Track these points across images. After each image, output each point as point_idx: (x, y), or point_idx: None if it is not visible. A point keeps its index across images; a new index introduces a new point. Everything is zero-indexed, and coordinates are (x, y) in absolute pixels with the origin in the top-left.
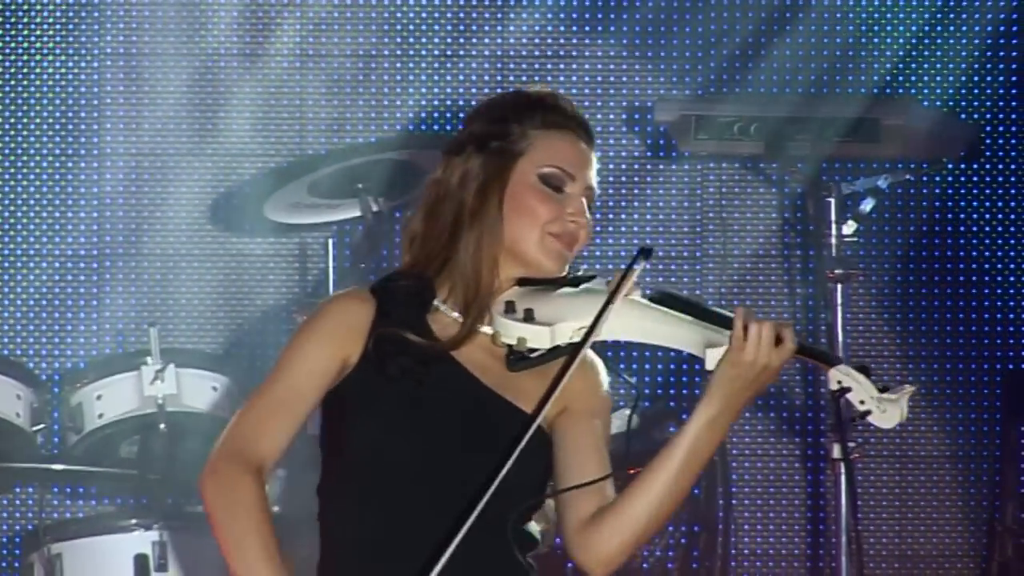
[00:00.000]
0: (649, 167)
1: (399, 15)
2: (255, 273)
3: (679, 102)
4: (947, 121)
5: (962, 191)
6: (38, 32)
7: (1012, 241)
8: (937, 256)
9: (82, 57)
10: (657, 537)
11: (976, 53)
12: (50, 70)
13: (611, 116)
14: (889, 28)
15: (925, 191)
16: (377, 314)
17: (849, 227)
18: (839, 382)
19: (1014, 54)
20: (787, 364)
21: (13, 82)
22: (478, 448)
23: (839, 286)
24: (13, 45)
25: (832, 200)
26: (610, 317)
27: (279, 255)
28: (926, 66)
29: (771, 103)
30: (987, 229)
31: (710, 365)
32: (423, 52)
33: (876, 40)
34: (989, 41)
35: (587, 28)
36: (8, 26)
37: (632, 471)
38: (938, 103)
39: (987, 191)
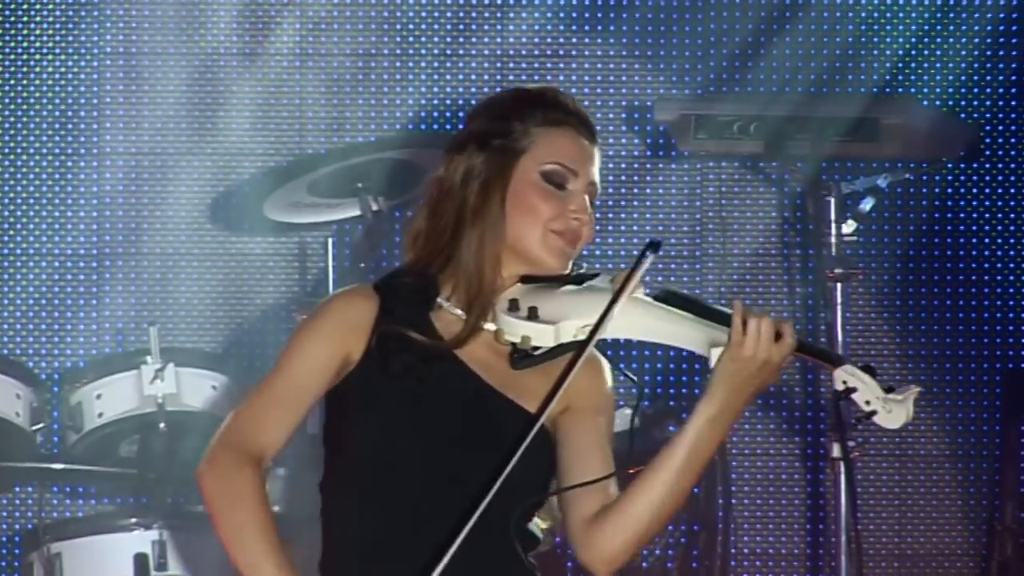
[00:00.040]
0: (649, 166)
1: (398, 14)
2: (255, 272)
3: (679, 101)
4: (947, 121)
5: (962, 191)
6: (38, 31)
7: (1012, 240)
8: (937, 255)
9: (82, 56)
10: (657, 536)
11: (976, 52)
12: (50, 69)
13: (611, 115)
14: (889, 28)
15: (925, 190)
16: (380, 311)
17: (849, 226)
18: (844, 382)
19: (1014, 53)
20: (789, 363)
21: (13, 81)
22: (480, 447)
23: (839, 285)
24: (13, 44)
25: (832, 199)
26: (614, 315)
27: (279, 254)
28: (926, 65)
29: (771, 102)
30: (987, 228)
31: (714, 364)
32: (423, 51)
33: (876, 40)
34: (989, 40)
35: (587, 27)
36: (8, 25)
37: (632, 471)
38: (938, 102)
39: (987, 191)
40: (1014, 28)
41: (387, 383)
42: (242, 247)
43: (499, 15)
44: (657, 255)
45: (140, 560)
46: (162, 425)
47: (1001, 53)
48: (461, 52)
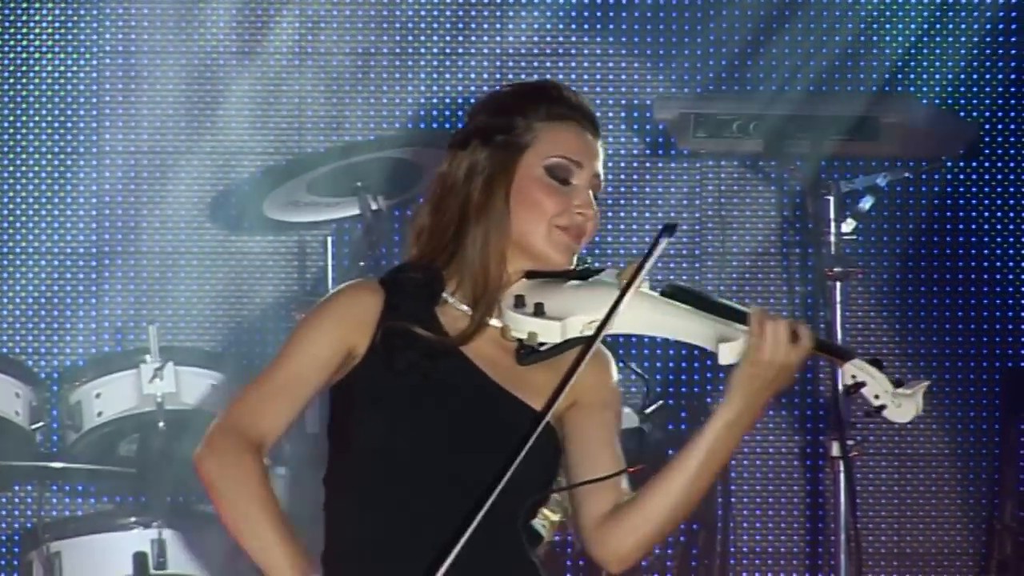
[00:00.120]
0: (648, 165)
1: (398, 13)
2: (254, 271)
3: (678, 100)
4: (946, 119)
5: (961, 189)
6: (37, 31)
7: (1011, 239)
8: (936, 254)
9: (81, 55)
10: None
11: (975, 51)
12: (49, 68)
13: (610, 114)
14: (888, 27)
15: (924, 189)
16: (385, 306)
17: (848, 225)
18: (853, 376)
19: (1013, 52)
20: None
21: (12, 80)
22: (485, 444)
23: (838, 284)
24: (12, 43)
25: (831, 198)
26: (621, 310)
27: (278, 253)
28: (925, 64)
29: (771, 101)
30: (986, 227)
31: (723, 360)
32: (422, 50)
33: (875, 39)
34: (988, 39)
35: (586, 26)
36: (7, 24)
37: (632, 469)
38: (937, 101)
39: (986, 189)
40: (1013, 27)
41: (392, 379)
42: (242, 246)
43: (498, 14)
44: (671, 239)
45: (139, 559)
46: (161, 424)
47: (1000, 52)
48: (461, 51)
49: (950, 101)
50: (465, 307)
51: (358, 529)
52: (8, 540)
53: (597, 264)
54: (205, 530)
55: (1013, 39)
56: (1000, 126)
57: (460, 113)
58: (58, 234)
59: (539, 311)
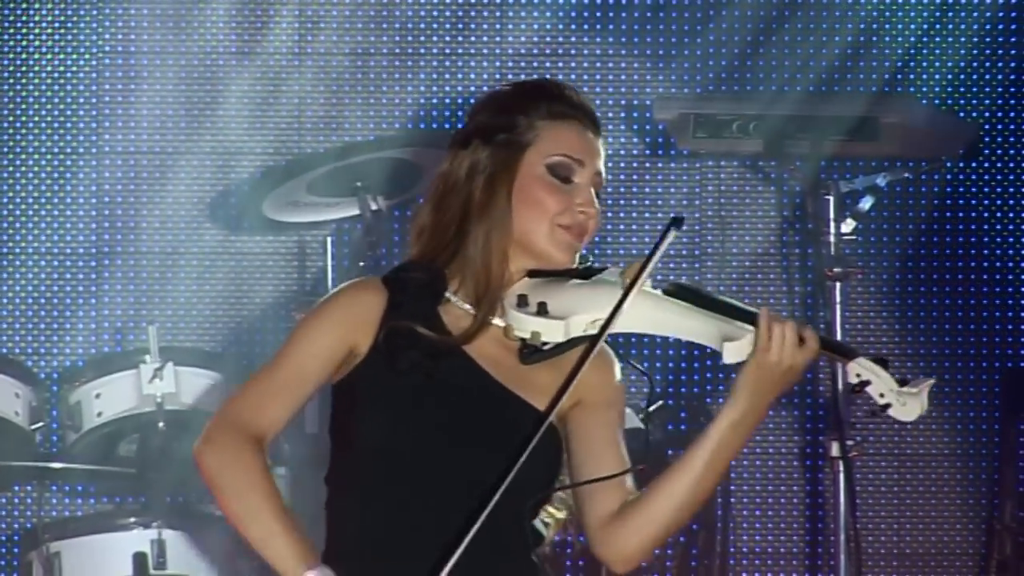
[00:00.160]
0: (648, 165)
1: (397, 13)
2: (254, 271)
3: (678, 100)
4: (946, 120)
5: (961, 189)
6: (37, 31)
7: (1011, 239)
8: (936, 254)
9: (80, 56)
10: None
11: (975, 52)
12: (48, 68)
13: (610, 114)
14: (888, 27)
15: (924, 189)
16: (388, 305)
17: (848, 225)
18: (858, 375)
19: (1012, 52)
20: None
21: (12, 80)
22: (488, 444)
23: (838, 284)
24: (12, 43)
25: (831, 198)
26: (624, 309)
27: (278, 253)
28: (925, 64)
29: (770, 102)
30: (986, 227)
31: (727, 358)
32: (422, 50)
33: (875, 39)
34: (988, 40)
35: (586, 26)
36: (7, 24)
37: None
38: (937, 101)
39: (986, 189)
40: (1013, 27)
41: (395, 379)
42: (241, 246)
43: (498, 14)
44: (680, 231)
45: (139, 559)
46: (161, 424)
47: (1000, 52)
48: (460, 51)
49: (950, 101)
50: (468, 306)
51: (360, 528)
52: (8, 540)
53: (598, 263)
54: (205, 530)
55: (1012, 39)
56: (1000, 126)
57: (460, 113)
58: (58, 234)
59: (542, 310)
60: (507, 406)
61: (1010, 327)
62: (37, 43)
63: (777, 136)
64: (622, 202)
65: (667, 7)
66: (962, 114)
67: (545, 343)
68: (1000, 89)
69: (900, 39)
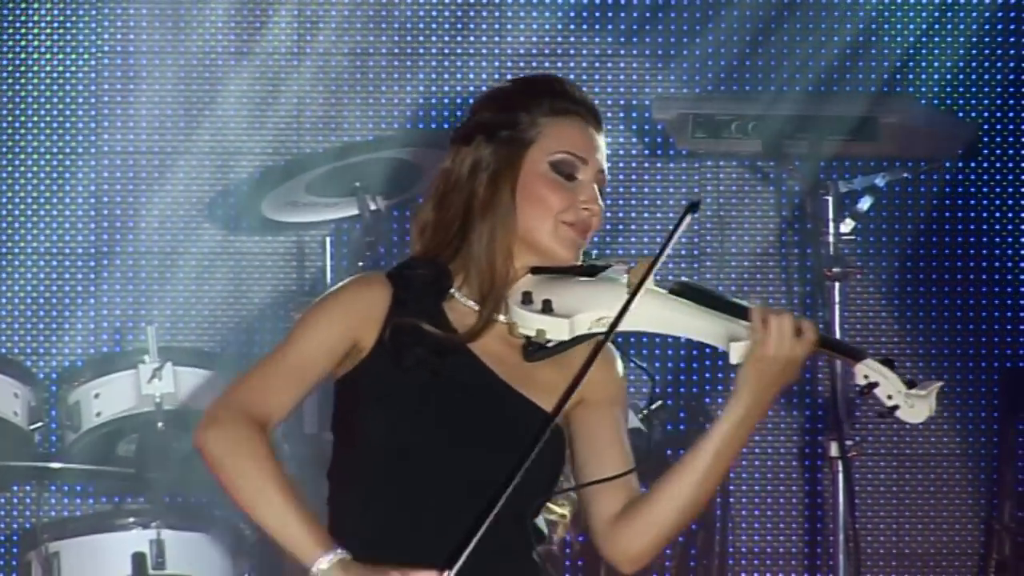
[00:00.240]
0: (647, 165)
1: (396, 13)
2: (253, 272)
3: (677, 100)
4: (945, 120)
5: (960, 190)
6: (35, 30)
7: (1010, 239)
8: (935, 254)
9: (79, 55)
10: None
11: (974, 52)
12: (47, 68)
13: (609, 114)
14: (887, 27)
15: (923, 190)
16: (393, 301)
17: (847, 225)
18: (866, 376)
19: (1011, 52)
20: (811, 357)
21: (11, 80)
22: (491, 443)
23: (837, 284)
24: (11, 43)
25: (830, 198)
26: (632, 307)
27: (277, 253)
28: (924, 65)
29: (769, 102)
30: (985, 227)
31: (734, 359)
32: (421, 50)
33: (874, 39)
34: (987, 40)
35: (585, 26)
36: (6, 24)
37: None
38: (936, 102)
39: (984, 190)
40: (1012, 27)
41: (400, 376)
42: (240, 246)
43: (497, 14)
44: (695, 216)
45: (138, 559)
46: (160, 424)
47: (999, 52)
48: (459, 51)
49: (949, 101)
50: (472, 303)
51: (362, 524)
52: (7, 540)
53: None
54: (204, 530)
55: (1011, 39)
56: (999, 126)
57: (459, 113)
58: (56, 234)
59: (547, 308)
60: (511, 404)
61: (1009, 327)
62: (36, 43)
63: (776, 136)
64: (621, 202)
65: (666, 7)
66: (961, 114)
67: (550, 341)
68: (999, 89)
69: (899, 39)
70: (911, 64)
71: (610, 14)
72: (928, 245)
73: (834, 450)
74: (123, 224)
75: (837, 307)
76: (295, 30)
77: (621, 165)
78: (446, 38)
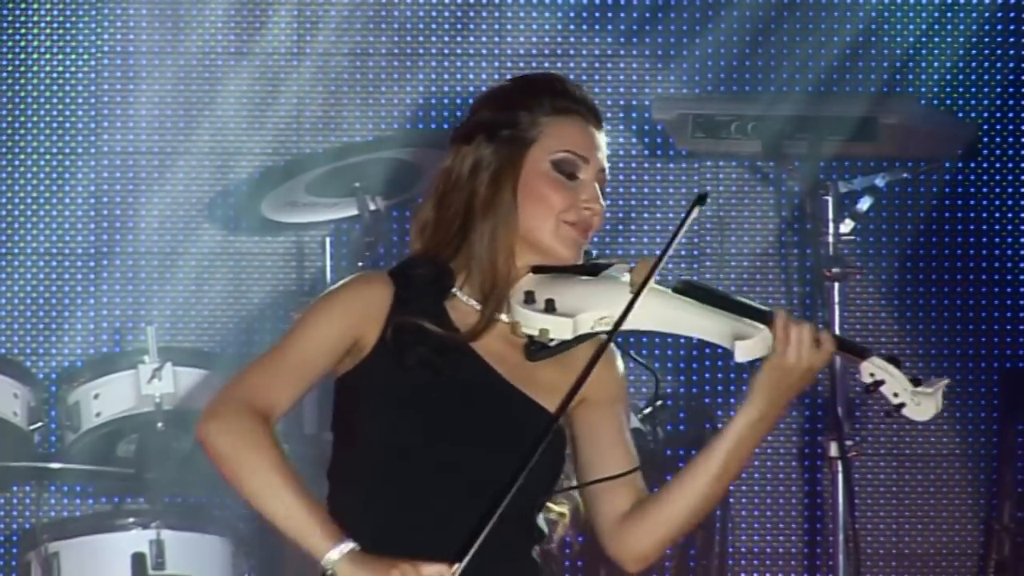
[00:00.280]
0: (647, 166)
1: (396, 13)
2: (252, 272)
3: (677, 101)
4: (945, 120)
5: (959, 190)
6: (35, 31)
7: (1009, 240)
8: (934, 255)
9: (79, 56)
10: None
11: (974, 52)
12: (47, 68)
13: (608, 115)
14: (887, 27)
15: (923, 190)
16: (395, 300)
17: (847, 226)
18: (872, 375)
19: (1011, 53)
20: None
21: (11, 80)
22: (494, 443)
23: (836, 284)
24: (11, 44)
25: (830, 199)
26: (636, 306)
27: (276, 254)
28: (923, 65)
29: (769, 102)
30: (984, 228)
31: (739, 357)
32: (420, 50)
33: (874, 39)
34: (987, 40)
35: (584, 27)
36: (5, 24)
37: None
38: (936, 102)
39: (984, 190)
40: (1011, 27)
41: (402, 375)
42: (240, 246)
43: (497, 14)
44: (703, 208)
45: (138, 559)
46: (160, 424)
47: (999, 52)
48: (459, 51)
49: (948, 102)
50: (474, 302)
51: (362, 524)
52: (6, 541)
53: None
54: (203, 530)
55: (1011, 40)
56: (999, 127)
57: (459, 114)
58: (56, 234)
59: (550, 307)
60: (513, 404)
61: (1008, 327)
62: (36, 43)
63: (776, 137)
64: (620, 203)
65: (666, 7)
66: (961, 114)
67: (552, 340)
68: (999, 90)
69: (899, 39)
70: (911, 64)
71: (610, 15)
72: (928, 245)
73: (834, 450)
74: (123, 224)
75: (836, 307)
76: (295, 30)
77: (621, 166)
78: (446, 38)
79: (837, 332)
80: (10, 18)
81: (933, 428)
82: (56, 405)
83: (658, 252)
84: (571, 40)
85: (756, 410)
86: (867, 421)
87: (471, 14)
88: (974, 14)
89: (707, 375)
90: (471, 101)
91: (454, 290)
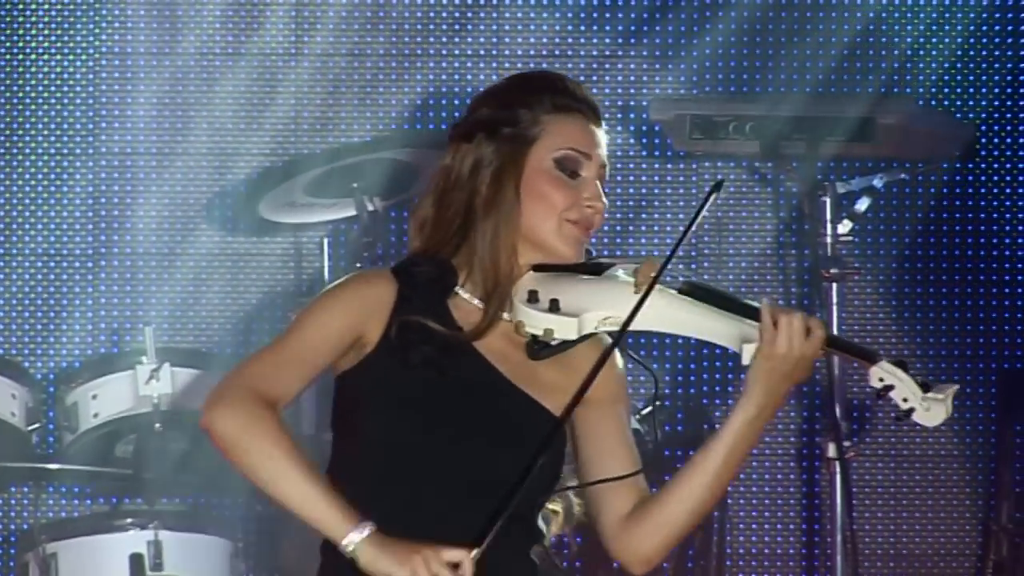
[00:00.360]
0: (644, 166)
1: (394, 13)
2: (250, 272)
3: (675, 101)
4: (943, 121)
5: (957, 191)
6: (33, 31)
7: (1007, 240)
8: (932, 255)
9: (77, 56)
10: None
11: (972, 53)
12: (45, 69)
13: (606, 115)
14: (885, 28)
15: (921, 190)
16: (398, 298)
17: (844, 226)
18: (881, 379)
19: (1009, 54)
20: (821, 357)
21: (8, 81)
22: (495, 442)
23: (834, 285)
24: (8, 44)
25: (827, 199)
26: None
27: (274, 254)
28: (922, 66)
29: (767, 103)
30: (982, 228)
31: (747, 360)
32: (418, 51)
33: (872, 40)
34: (985, 40)
35: (583, 27)
36: (3, 25)
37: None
38: (934, 103)
39: (982, 191)
40: (1009, 28)
41: (405, 374)
42: (238, 247)
43: (495, 14)
44: (719, 194)
45: (136, 560)
46: (158, 425)
47: (997, 53)
48: (457, 52)
49: (947, 102)
50: (477, 301)
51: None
52: (4, 541)
53: (605, 258)
54: (202, 531)
55: (1009, 40)
56: (997, 127)
57: (457, 114)
58: (54, 235)
59: (554, 307)
60: (516, 404)
61: (1006, 328)
62: (33, 44)
63: (774, 137)
64: (618, 203)
65: (665, 8)
66: (959, 115)
67: (556, 339)
68: (997, 90)
69: (897, 40)
70: (909, 65)
71: (608, 15)
72: (926, 246)
73: (832, 451)
74: (120, 225)
75: (835, 308)
76: (292, 31)
77: (619, 166)
78: (444, 39)
79: (835, 333)
80: (8, 19)
81: (931, 429)
82: (54, 406)
83: (657, 252)
84: (569, 41)
85: (753, 404)
86: (865, 422)
87: (469, 14)
88: (972, 15)
89: (705, 375)
90: (469, 102)
91: (456, 289)
